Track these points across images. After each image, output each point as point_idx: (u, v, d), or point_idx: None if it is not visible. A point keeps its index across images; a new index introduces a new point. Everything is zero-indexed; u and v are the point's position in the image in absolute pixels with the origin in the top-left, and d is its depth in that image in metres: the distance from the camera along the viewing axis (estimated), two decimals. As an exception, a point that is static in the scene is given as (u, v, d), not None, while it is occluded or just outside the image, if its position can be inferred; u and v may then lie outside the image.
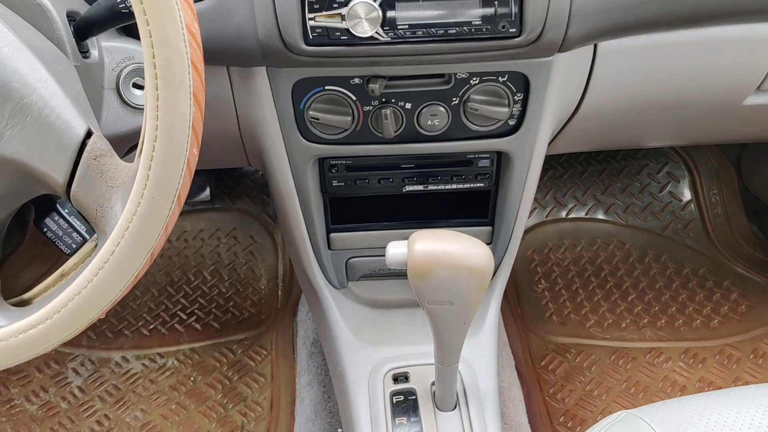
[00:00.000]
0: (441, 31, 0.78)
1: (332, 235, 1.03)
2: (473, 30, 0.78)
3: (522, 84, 0.87)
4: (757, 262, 1.60)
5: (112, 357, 1.40)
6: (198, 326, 1.47)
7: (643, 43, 0.89)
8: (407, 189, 0.98)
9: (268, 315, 1.49)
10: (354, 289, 1.09)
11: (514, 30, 0.78)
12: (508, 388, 1.26)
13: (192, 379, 1.36)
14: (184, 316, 1.49)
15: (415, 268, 0.71)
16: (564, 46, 0.82)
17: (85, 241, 0.64)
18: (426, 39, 0.78)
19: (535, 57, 0.83)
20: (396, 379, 0.95)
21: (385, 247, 0.72)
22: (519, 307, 1.51)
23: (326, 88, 0.86)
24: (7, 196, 0.58)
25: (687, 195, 1.70)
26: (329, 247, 1.04)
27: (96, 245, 0.61)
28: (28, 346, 0.57)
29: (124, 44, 0.78)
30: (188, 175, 0.56)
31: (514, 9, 0.77)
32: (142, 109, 0.77)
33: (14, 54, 0.55)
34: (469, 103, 0.87)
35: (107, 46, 0.76)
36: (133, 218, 0.55)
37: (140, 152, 0.59)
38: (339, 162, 0.94)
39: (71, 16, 0.71)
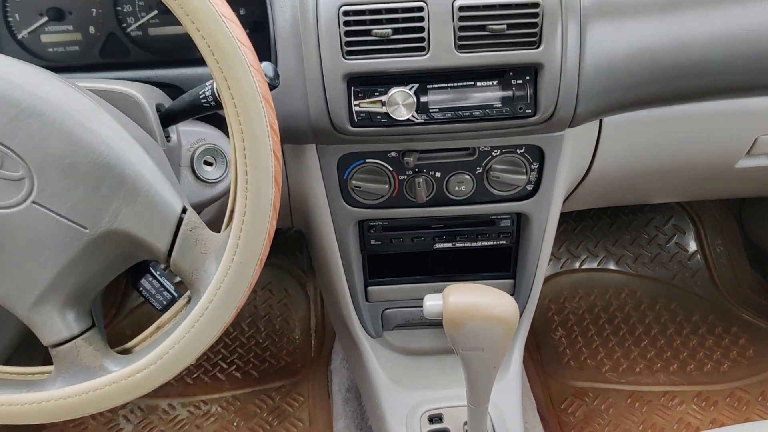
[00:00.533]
0: (467, 113, 0.91)
1: (370, 288, 1.15)
2: (494, 111, 0.91)
3: (537, 155, 0.99)
4: (763, 309, 1.69)
5: (160, 404, 1.50)
6: (238, 375, 1.57)
7: (643, 117, 1.02)
8: (437, 246, 1.10)
9: (303, 363, 1.60)
10: (388, 337, 1.20)
11: (529, 110, 0.91)
12: (531, 430, 1.34)
13: (235, 424, 1.46)
14: (225, 365, 1.59)
15: (450, 318, 0.82)
16: (573, 122, 0.94)
17: (173, 298, 0.76)
18: (454, 120, 0.91)
19: (549, 132, 0.96)
20: (431, 419, 1.05)
21: (417, 299, 0.84)
22: (539, 353, 1.60)
23: (367, 160, 0.99)
24: (117, 262, 0.71)
25: (693, 246, 1.81)
26: (367, 300, 1.16)
27: (188, 302, 0.73)
28: (136, 388, 0.68)
29: (197, 128, 0.91)
30: (268, 243, 0.68)
31: (530, 92, 0.91)
32: (212, 182, 0.91)
33: (126, 146, 0.68)
34: (491, 172, 0.99)
35: (183, 130, 0.90)
36: (224, 279, 0.67)
37: (226, 224, 0.71)
38: (377, 223, 1.07)
39: (157, 108, 0.85)
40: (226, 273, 0.67)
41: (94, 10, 1.02)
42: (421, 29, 0.87)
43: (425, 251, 1.11)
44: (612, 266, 1.81)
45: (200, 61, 1.00)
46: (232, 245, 0.67)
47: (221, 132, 0.92)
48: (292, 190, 1.04)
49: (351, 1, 0.87)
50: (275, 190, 0.67)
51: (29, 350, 1.37)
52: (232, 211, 0.71)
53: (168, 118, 0.84)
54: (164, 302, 0.76)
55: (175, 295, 0.77)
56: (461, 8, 0.86)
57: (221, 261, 0.67)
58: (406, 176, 1.00)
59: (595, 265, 1.81)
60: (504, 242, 1.10)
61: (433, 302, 0.84)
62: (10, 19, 1.02)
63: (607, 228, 1.85)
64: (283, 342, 1.66)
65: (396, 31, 0.87)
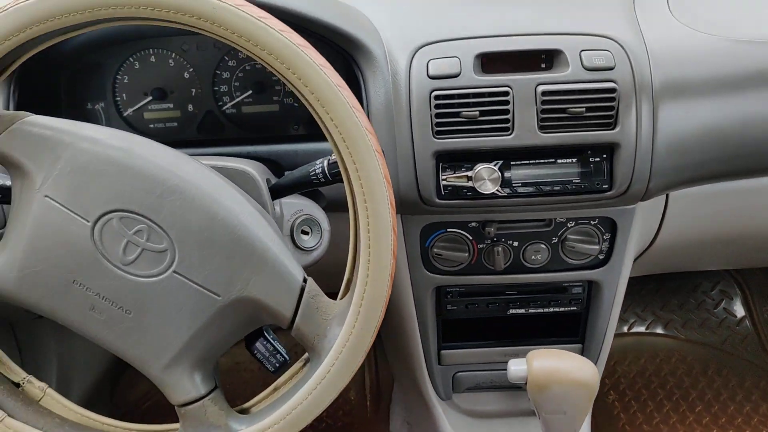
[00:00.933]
0: (547, 188, 0.97)
1: (443, 351, 1.19)
2: (573, 186, 0.97)
3: (610, 226, 1.05)
4: (814, 375, 1.71)
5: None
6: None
7: (707, 189, 1.08)
8: (511, 312, 1.14)
9: (360, 423, 1.62)
10: (457, 400, 1.23)
11: (605, 186, 0.98)
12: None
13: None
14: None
15: (535, 382, 0.86)
16: (645, 196, 1.00)
17: (285, 361, 0.81)
18: (535, 194, 0.98)
19: (622, 205, 1.02)
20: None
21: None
22: (593, 418, 1.62)
23: (448, 230, 1.05)
24: (242, 326, 0.76)
25: (741, 311, 1.83)
26: (439, 363, 1.20)
27: (304, 365, 0.78)
28: (261, 446, 0.72)
29: (297, 200, 0.98)
30: (383, 312, 0.73)
31: (606, 169, 0.97)
32: (308, 250, 0.97)
33: (254, 221, 0.75)
34: (566, 242, 1.05)
35: (285, 202, 0.96)
36: (345, 345, 0.72)
37: (343, 293, 0.77)
38: (454, 289, 1.12)
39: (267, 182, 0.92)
40: (347, 339, 0.72)
41: (193, 90, 1.12)
42: (506, 111, 0.94)
43: (499, 316, 1.15)
44: (660, 330, 1.83)
45: (292, 138, 1.09)
46: (354, 313, 0.72)
47: (315, 203, 0.99)
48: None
49: (442, 86, 0.95)
50: (392, 262, 0.72)
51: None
52: (349, 281, 0.77)
53: (277, 192, 0.91)
54: (277, 365, 0.81)
55: (287, 358, 0.82)
56: (544, 93, 0.93)
57: (342, 327, 0.73)
58: (485, 245, 1.05)
59: (643, 329, 1.84)
60: (575, 308, 1.14)
61: (517, 367, 0.88)
62: (118, 99, 1.11)
63: (654, 292, 1.88)
64: (338, 402, 1.68)
65: (483, 113, 0.94)
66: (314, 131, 1.11)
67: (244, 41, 0.68)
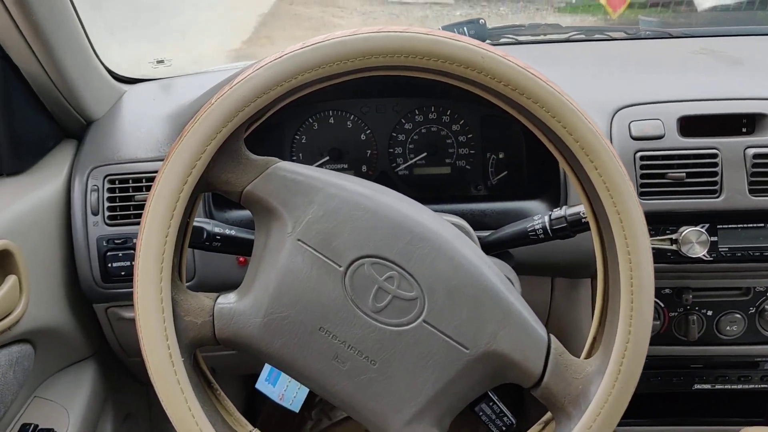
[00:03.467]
0: (757, 253, 0.93)
1: (618, 428, 1.12)
2: (782, 252, 0.94)
3: (813, 296, 1.00)
4: None
5: None
6: None
7: None
8: (696, 387, 1.08)
9: None
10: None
11: (818, 253, 0.94)
12: None
13: None
14: None
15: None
16: None
17: (512, 424, 0.77)
18: (743, 259, 0.94)
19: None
20: None
21: None
22: None
23: (639, 296, 1.01)
24: (484, 382, 0.72)
25: None
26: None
27: (544, 427, 0.74)
28: None
29: (491, 260, 0.96)
30: (640, 371, 0.69)
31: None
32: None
33: (493, 272, 0.72)
34: (765, 313, 1.00)
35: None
36: (604, 405, 0.68)
37: (589, 352, 0.73)
38: (638, 361, 1.06)
39: None
40: (605, 399, 0.68)
41: (369, 151, 1.13)
42: (714, 174, 0.92)
43: (680, 392, 1.09)
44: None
45: (474, 198, 1.08)
46: (613, 372, 0.68)
47: (505, 263, 0.97)
48: (553, 321, 1.06)
49: (647, 147, 0.93)
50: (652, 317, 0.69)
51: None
52: (595, 339, 0.73)
53: (489, 247, 0.89)
54: (503, 428, 0.77)
55: (513, 421, 0.77)
56: (755, 156, 0.91)
57: (599, 387, 0.68)
58: (677, 313, 1.01)
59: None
60: (766, 386, 1.08)
61: None
62: (295, 158, 1.13)
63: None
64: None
65: (690, 174, 0.92)
66: (498, 192, 1.12)
67: (510, 90, 0.68)
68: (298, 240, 0.70)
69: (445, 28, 1.28)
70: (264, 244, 0.72)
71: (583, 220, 0.82)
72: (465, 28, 1.28)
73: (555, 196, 0.99)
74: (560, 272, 1.01)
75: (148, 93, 1.17)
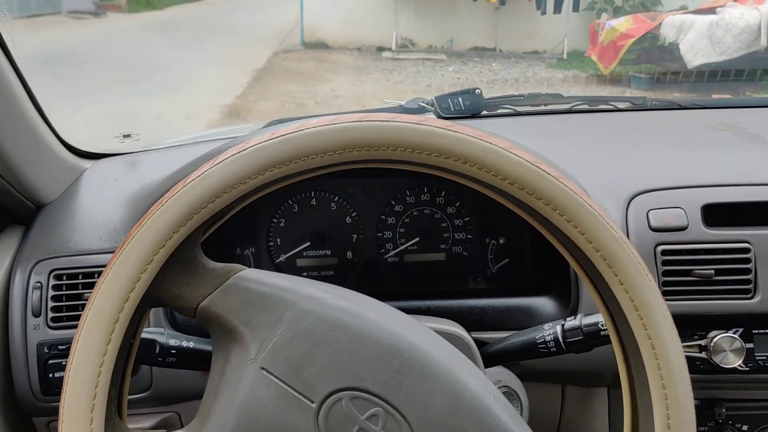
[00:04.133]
0: (799, 364, 0.81)
1: None
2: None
3: None
4: None
5: None
6: None
7: None
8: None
9: None
10: None
11: None
12: None
13: None
14: None
15: None
16: None
17: None
18: (782, 370, 0.82)
19: None
20: None
21: None
22: None
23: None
24: None
25: None
26: None
27: None
28: None
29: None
30: None
31: None
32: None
33: (498, 404, 0.60)
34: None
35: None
36: None
37: None
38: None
39: None
40: None
41: (355, 236, 1.01)
42: (747, 271, 0.81)
43: None
44: None
45: (471, 293, 0.96)
46: None
47: (510, 371, 0.84)
48: (562, 429, 0.93)
49: (668, 240, 0.82)
50: None
51: None
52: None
53: (490, 360, 0.77)
54: None
55: None
56: (793, 250, 0.80)
57: None
58: (707, 427, 0.88)
59: None
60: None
61: None
62: (271, 243, 1.01)
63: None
64: None
65: (719, 272, 0.81)
66: (499, 285, 1.00)
67: (516, 188, 0.57)
68: (263, 368, 0.57)
69: (439, 98, 1.18)
70: (221, 370, 0.60)
71: (603, 333, 0.70)
72: (460, 99, 1.18)
73: (565, 292, 0.87)
74: (572, 380, 0.89)
75: (111, 171, 1.06)
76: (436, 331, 0.71)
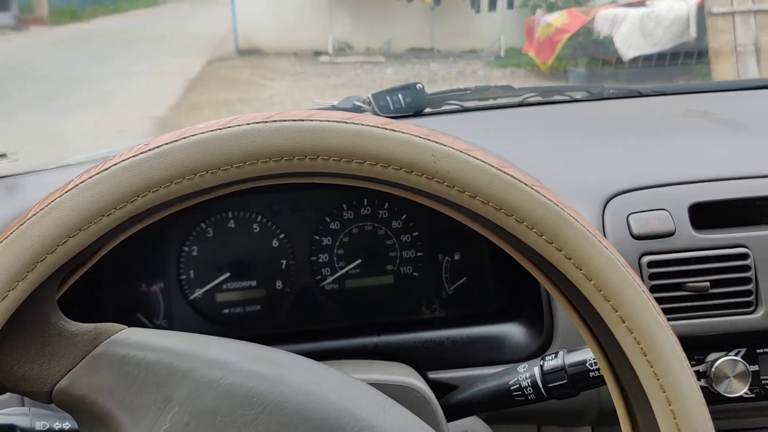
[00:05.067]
0: (810, 384, 0.70)
1: None
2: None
3: None
4: None
5: None
6: None
7: None
8: None
9: None
10: None
11: None
12: None
13: None
14: None
15: None
16: None
17: None
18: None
19: None
20: None
21: None
22: None
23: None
24: None
25: None
26: None
27: None
28: None
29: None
30: None
31: None
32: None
33: None
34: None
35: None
36: None
37: None
38: None
39: None
40: None
41: (284, 261, 0.85)
42: (746, 280, 0.68)
43: None
44: None
45: (426, 323, 0.81)
46: None
47: (480, 419, 0.70)
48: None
49: (654, 249, 0.69)
50: None
51: None
52: None
53: (452, 413, 0.62)
54: None
55: None
56: (798, 254, 0.68)
57: None
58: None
59: None
60: None
61: None
62: (183, 277, 0.84)
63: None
64: None
65: (714, 283, 0.68)
66: (459, 311, 0.86)
67: (478, 202, 0.42)
68: None
69: (376, 95, 1.03)
70: None
71: (592, 374, 0.56)
72: (400, 96, 1.03)
73: (536, 315, 0.74)
74: (549, 420, 0.75)
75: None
76: (385, 386, 0.56)
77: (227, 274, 0.84)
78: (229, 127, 0.40)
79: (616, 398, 0.47)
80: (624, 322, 0.42)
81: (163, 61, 7.78)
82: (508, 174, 0.42)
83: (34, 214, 0.39)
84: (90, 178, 0.39)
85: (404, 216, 0.86)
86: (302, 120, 0.40)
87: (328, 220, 0.85)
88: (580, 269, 0.42)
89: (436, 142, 0.41)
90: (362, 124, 0.40)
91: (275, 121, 0.40)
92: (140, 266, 0.84)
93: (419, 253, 0.86)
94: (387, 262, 0.86)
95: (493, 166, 0.42)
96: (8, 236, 0.39)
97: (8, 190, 0.90)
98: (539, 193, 0.42)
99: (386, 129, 0.40)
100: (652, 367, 0.43)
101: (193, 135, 0.39)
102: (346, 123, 0.40)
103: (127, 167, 0.39)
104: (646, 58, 5.82)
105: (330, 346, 0.77)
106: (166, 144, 0.39)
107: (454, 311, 0.83)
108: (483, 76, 6.91)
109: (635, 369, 0.43)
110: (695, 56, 5.09)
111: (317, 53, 7.92)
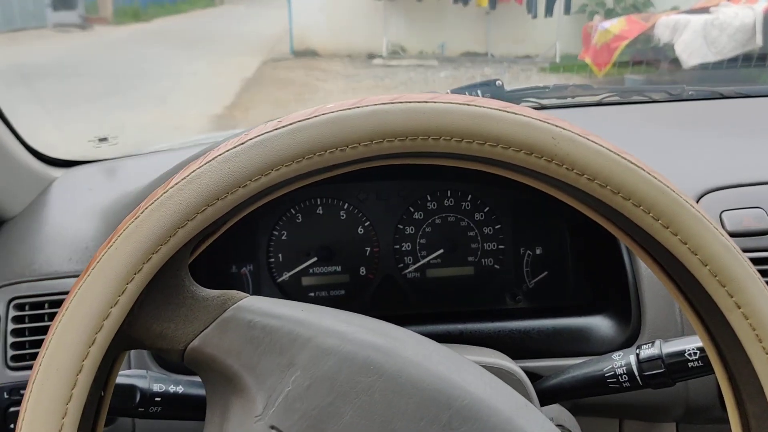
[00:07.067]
0: None
1: None
2: None
3: None
4: None
5: None
6: None
7: None
8: None
9: None
10: None
11: None
12: None
13: None
14: None
15: None
16: None
17: None
18: None
19: None
20: None
21: None
22: None
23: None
24: None
25: None
26: None
27: None
28: None
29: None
30: None
31: None
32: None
33: None
34: None
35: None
36: None
37: None
38: None
39: None
40: None
41: (368, 249, 0.87)
42: None
43: None
44: None
45: (510, 313, 0.82)
46: None
47: (565, 409, 0.70)
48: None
49: (750, 247, 0.69)
50: None
51: None
52: None
53: (547, 398, 0.63)
54: None
55: None
56: None
57: None
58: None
59: None
60: None
61: None
62: (272, 260, 0.87)
63: None
64: None
65: None
66: (541, 303, 0.87)
67: (597, 185, 0.43)
68: (272, 428, 0.43)
69: (455, 91, 1.05)
70: (221, 426, 0.46)
71: (691, 365, 0.56)
72: (479, 92, 1.05)
73: (623, 308, 0.74)
74: (632, 414, 0.75)
75: (85, 179, 0.92)
76: (481, 366, 0.58)
77: (314, 259, 0.86)
78: (358, 107, 0.42)
79: (724, 386, 0.47)
80: (739, 308, 0.43)
81: (220, 60, 7.96)
82: (626, 159, 0.43)
83: (176, 183, 0.42)
84: (228, 151, 0.42)
85: (486, 209, 0.87)
86: (426, 102, 0.42)
87: (412, 209, 0.87)
88: (696, 254, 0.43)
89: (556, 126, 0.42)
90: (484, 107, 0.42)
91: (401, 102, 0.42)
92: (232, 249, 0.87)
93: (501, 246, 0.87)
94: (468, 254, 0.87)
95: (612, 151, 0.43)
96: (152, 204, 0.41)
97: (107, 172, 0.95)
98: (656, 178, 0.43)
99: (507, 112, 0.42)
100: (767, 354, 0.43)
101: (324, 114, 0.42)
102: (469, 105, 0.42)
103: (262, 141, 0.41)
104: (708, 66, 5.68)
105: (415, 331, 0.79)
106: (300, 121, 0.42)
107: (537, 304, 0.84)
108: (537, 81, 6.85)
109: (749, 355, 0.44)
110: (755, 61, 4.91)
111: (371, 56, 7.99)
